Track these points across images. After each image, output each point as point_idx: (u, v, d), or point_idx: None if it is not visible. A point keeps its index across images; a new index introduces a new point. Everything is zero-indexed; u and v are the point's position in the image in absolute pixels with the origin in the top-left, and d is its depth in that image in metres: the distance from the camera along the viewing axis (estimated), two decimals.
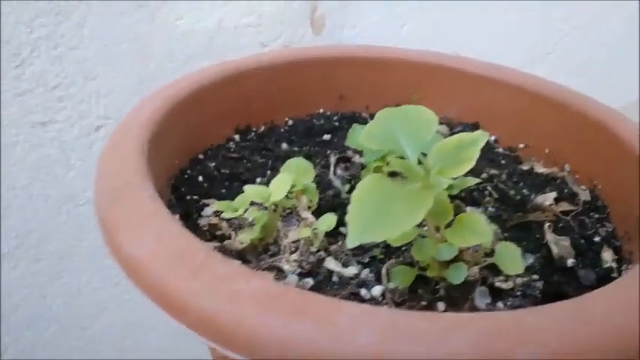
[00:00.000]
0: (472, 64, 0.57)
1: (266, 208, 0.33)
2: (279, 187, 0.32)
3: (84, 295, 0.67)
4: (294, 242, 0.31)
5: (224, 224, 0.34)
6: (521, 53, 0.68)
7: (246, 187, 0.33)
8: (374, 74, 0.58)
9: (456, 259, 0.31)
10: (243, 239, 0.31)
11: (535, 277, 0.35)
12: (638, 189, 0.39)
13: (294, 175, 0.35)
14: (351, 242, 0.24)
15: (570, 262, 0.38)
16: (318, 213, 0.37)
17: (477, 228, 0.28)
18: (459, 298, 0.30)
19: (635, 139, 0.42)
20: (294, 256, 0.30)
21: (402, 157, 0.30)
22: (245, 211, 0.32)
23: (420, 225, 0.32)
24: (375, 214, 0.24)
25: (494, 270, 0.32)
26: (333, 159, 0.45)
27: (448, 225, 0.30)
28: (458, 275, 0.29)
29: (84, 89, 0.54)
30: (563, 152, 0.49)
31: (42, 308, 0.66)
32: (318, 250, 0.32)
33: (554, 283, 0.36)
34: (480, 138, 0.27)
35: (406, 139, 0.30)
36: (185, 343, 0.75)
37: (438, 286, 0.31)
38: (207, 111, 0.49)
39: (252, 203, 0.33)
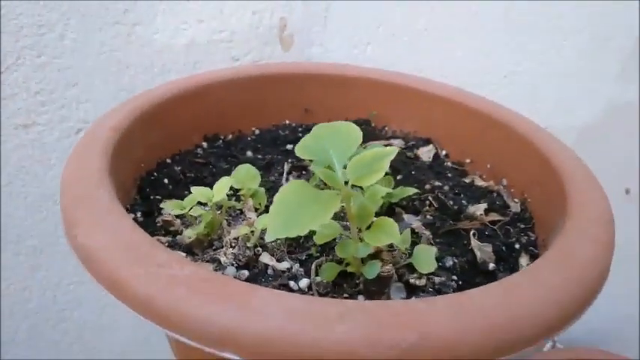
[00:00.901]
0: (430, 85, 0.62)
1: (211, 208, 0.37)
2: (219, 189, 0.36)
3: (61, 289, 0.71)
4: (235, 239, 0.36)
5: (177, 221, 0.38)
6: (479, 75, 0.73)
7: (193, 189, 0.37)
8: (337, 90, 0.63)
9: (375, 258, 0.35)
10: (189, 234, 0.35)
11: (454, 277, 0.39)
12: (557, 202, 0.43)
13: (243, 180, 0.39)
14: (269, 237, 0.28)
15: (491, 266, 0.42)
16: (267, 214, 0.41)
17: (389, 230, 0.32)
18: (375, 292, 0.34)
19: (558, 158, 0.46)
20: (233, 251, 0.35)
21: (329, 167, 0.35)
22: (190, 210, 0.36)
23: (346, 227, 0.37)
24: (291, 215, 0.28)
25: (413, 269, 0.37)
26: (286, 167, 0.49)
27: (368, 227, 0.34)
28: (372, 271, 0.33)
29: (65, 95, 0.59)
30: (502, 167, 0.53)
31: (21, 300, 0.70)
32: (255, 246, 0.36)
33: (476, 284, 0.40)
34: (391, 152, 0.32)
35: (334, 152, 0.35)
36: (155, 341, 0.79)
37: (358, 281, 0.35)
38: (177, 119, 0.53)
39: (200, 203, 0.37)
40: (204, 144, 0.56)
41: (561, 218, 0.39)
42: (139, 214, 0.43)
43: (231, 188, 0.42)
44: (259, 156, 0.56)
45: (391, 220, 0.33)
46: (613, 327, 0.98)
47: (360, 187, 0.35)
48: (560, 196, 0.42)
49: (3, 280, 0.67)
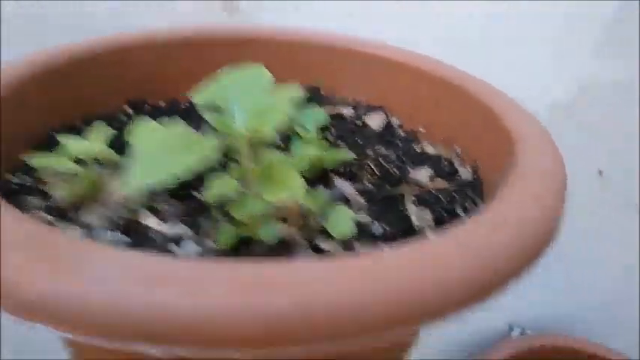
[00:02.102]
0: (386, 50, 0.57)
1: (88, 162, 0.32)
2: (94, 139, 0.31)
3: None
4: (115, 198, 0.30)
5: (54, 179, 0.33)
6: (450, 46, 0.68)
7: (62, 139, 0.32)
8: (285, 56, 0.57)
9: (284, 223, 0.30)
10: (60, 194, 0.30)
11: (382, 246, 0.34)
12: (506, 166, 0.38)
13: None
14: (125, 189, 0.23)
15: (429, 233, 0.37)
16: None
17: (291, 183, 0.27)
18: (279, 258, 0.29)
19: (513, 124, 0.41)
20: (109, 212, 0.29)
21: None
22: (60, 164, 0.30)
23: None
24: (152, 160, 0.23)
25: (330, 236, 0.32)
26: None
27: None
28: (268, 233, 0.28)
29: None
30: (457, 135, 0.48)
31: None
32: (141, 206, 0.30)
33: None
34: (294, 92, 0.26)
35: (234, 98, 0.30)
36: None
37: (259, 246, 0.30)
38: (94, 80, 0.47)
39: (78, 160, 0.31)
40: (130, 111, 0.51)
41: (505, 179, 0.34)
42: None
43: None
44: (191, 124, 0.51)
45: (294, 171, 0.28)
46: (581, 314, 0.93)
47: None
48: (510, 159, 0.37)
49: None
